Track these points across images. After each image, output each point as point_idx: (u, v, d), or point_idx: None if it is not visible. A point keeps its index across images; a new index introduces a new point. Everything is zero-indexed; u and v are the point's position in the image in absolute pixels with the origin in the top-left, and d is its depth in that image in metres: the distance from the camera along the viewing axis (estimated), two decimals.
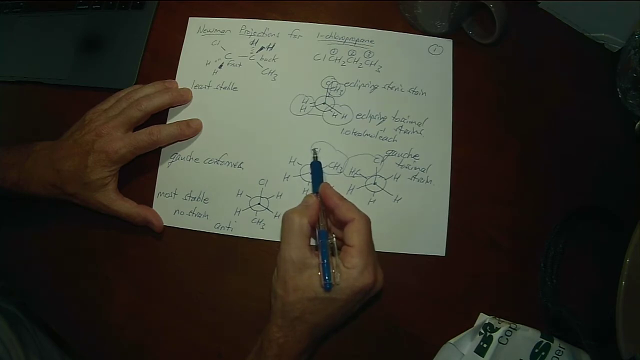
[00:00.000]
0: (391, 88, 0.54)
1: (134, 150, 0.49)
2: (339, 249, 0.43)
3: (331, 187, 0.46)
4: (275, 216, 0.51)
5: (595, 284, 0.49)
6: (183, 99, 0.54)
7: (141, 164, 0.52)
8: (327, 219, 0.44)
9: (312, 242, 0.44)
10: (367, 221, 0.43)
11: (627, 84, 0.52)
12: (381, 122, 0.53)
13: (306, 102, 0.54)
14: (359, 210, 0.43)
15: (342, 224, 0.43)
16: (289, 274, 0.41)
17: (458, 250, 0.50)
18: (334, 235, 0.43)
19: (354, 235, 0.41)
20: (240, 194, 0.52)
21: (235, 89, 0.55)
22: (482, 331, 0.45)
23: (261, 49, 0.56)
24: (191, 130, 0.53)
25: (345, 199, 0.44)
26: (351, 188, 0.51)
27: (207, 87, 0.55)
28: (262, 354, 0.42)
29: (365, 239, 0.41)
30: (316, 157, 0.50)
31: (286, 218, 0.43)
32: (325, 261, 0.40)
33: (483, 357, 0.45)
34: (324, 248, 0.41)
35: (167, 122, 0.54)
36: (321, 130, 0.53)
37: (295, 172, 0.52)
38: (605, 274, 0.47)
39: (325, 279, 0.39)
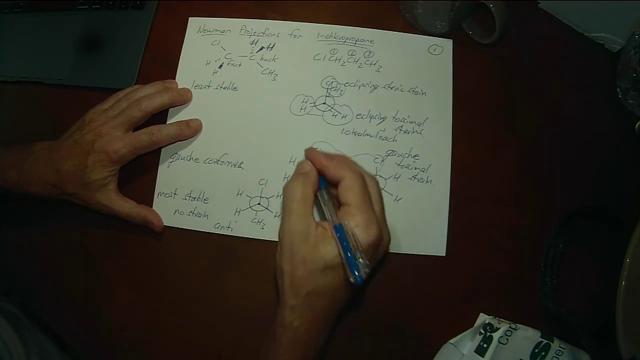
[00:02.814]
0: (391, 88, 0.54)
1: (134, 150, 0.49)
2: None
3: (316, 150, 0.43)
4: (275, 216, 0.51)
5: (595, 284, 0.49)
6: (183, 99, 0.54)
7: (141, 164, 0.52)
8: (336, 209, 0.41)
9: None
10: (359, 177, 0.40)
11: (627, 84, 0.52)
12: (381, 122, 0.53)
13: (306, 102, 0.54)
14: (348, 167, 0.41)
15: (336, 184, 0.41)
16: (295, 246, 0.39)
17: (458, 250, 0.50)
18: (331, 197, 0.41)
19: (347, 193, 0.39)
20: (240, 194, 0.52)
21: (235, 89, 0.55)
22: (482, 331, 0.46)
23: (261, 49, 0.56)
24: (191, 130, 0.53)
25: (334, 156, 0.42)
26: None
27: (207, 87, 0.55)
28: (276, 341, 0.40)
29: (359, 194, 0.39)
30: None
31: (289, 189, 0.41)
32: (348, 254, 0.37)
33: (483, 357, 0.45)
34: (344, 242, 0.37)
35: (167, 122, 0.54)
36: (321, 130, 0.53)
37: None
38: (605, 274, 0.47)
39: (354, 274, 0.36)
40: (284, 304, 0.39)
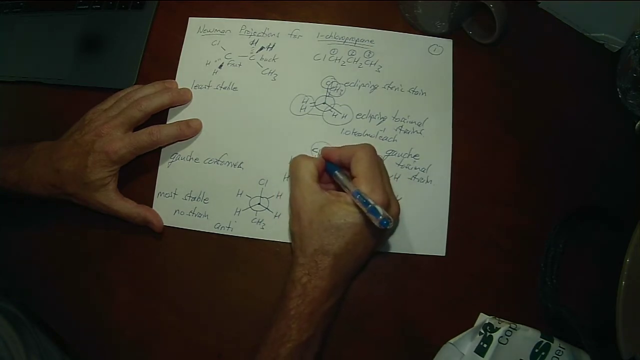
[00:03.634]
0: (391, 88, 0.54)
1: (134, 150, 0.49)
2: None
3: (328, 147, 0.48)
4: (275, 216, 0.51)
5: (595, 284, 0.49)
6: (183, 99, 0.54)
7: (141, 164, 0.52)
8: (351, 181, 0.44)
9: None
10: (368, 150, 0.44)
11: (627, 84, 0.52)
12: (381, 122, 0.53)
13: (306, 102, 0.54)
14: (356, 145, 0.45)
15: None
16: (303, 208, 0.43)
17: (458, 250, 0.50)
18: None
19: (356, 165, 0.43)
20: (240, 194, 0.52)
21: (235, 89, 0.55)
22: (482, 331, 0.46)
23: (261, 49, 0.56)
24: (191, 130, 0.53)
25: (343, 146, 0.46)
26: None
27: (207, 87, 0.55)
28: (286, 296, 0.42)
29: (367, 165, 0.43)
30: None
31: (294, 162, 0.45)
32: (369, 206, 0.39)
33: (483, 357, 0.45)
34: (363, 200, 0.40)
35: (167, 122, 0.54)
36: (321, 130, 0.53)
37: None
38: (605, 274, 0.47)
39: (378, 218, 0.38)
40: (295, 262, 0.43)
